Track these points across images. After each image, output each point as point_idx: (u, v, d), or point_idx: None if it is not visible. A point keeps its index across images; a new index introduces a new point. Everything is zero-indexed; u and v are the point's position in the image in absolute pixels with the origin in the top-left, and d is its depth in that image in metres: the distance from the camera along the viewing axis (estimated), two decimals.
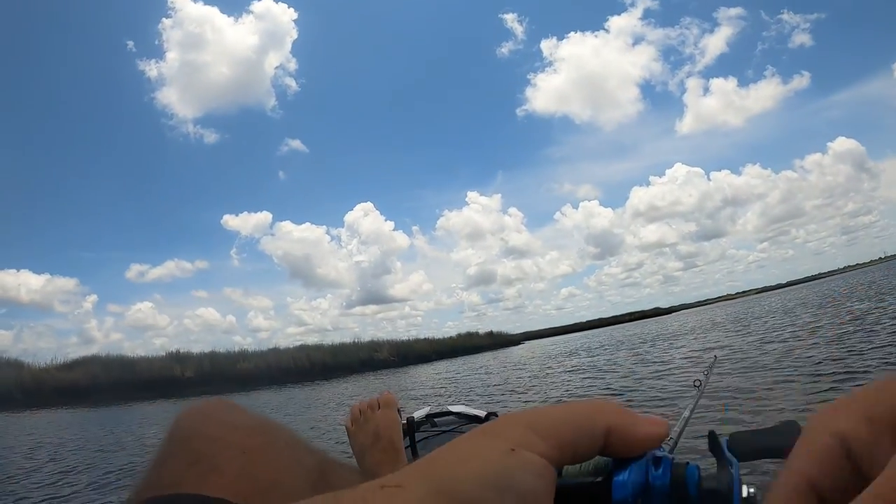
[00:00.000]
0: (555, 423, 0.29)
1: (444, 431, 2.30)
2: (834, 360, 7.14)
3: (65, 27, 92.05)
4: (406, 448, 1.35)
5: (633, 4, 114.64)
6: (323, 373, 36.22)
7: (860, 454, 0.25)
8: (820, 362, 7.22)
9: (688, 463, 0.35)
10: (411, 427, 1.87)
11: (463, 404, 2.82)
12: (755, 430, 0.41)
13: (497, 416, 2.09)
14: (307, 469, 0.63)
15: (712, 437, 0.39)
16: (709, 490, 0.34)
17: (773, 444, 0.40)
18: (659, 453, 0.33)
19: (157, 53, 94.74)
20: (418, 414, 2.47)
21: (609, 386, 9.43)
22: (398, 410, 1.29)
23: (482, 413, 2.45)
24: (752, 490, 0.35)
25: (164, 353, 36.97)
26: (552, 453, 0.27)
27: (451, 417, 2.50)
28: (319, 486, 0.61)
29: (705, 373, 2.40)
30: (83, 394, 28.40)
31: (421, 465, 0.27)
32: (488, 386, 13.34)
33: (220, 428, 0.61)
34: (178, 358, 35.71)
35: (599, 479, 0.32)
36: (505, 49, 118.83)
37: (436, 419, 2.49)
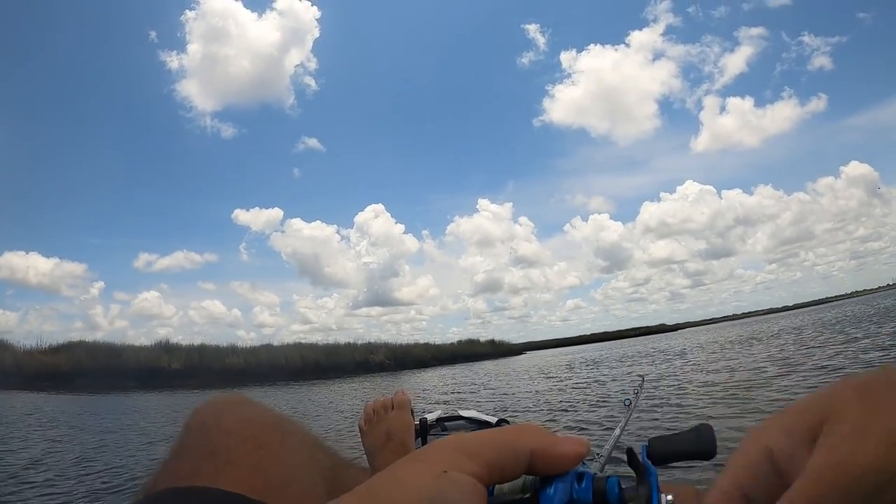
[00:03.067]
0: (482, 446, 0.31)
1: None
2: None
3: (89, 14, 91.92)
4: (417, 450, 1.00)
5: (655, 20, 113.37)
6: (316, 373, 35.23)
7: (782, 463, 0.29)
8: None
9: (609, 476, 0.38)
10: (424, 428, 1.89)
11: (475, 409, 2.74)
12: (671, 435, 0.42)
13: (508, 422, 2.15)
14: (322, 468, 0.66)
15: (630, 453, 0.43)
16: (630, 500, 0.37)
17: (688, 447, 0.42)
18: (581, 469, 0.36)
19: (179, 45, 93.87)
20: (430, 416, 2.38)
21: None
22: (412, 411, 1.29)
23: (493, 419, 2.37)
24: (669, 497, 0.37)
25: (152, 343, 35.98)
26: (481, 473, 0.30)
27: (461, 422, 2.46)
28: (333, 486, 0.66)
29: (635, 392, 2.41)
30: (66, 379, 27.46)
31: (360, 491, 0.29)
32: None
33: (237, 422, 0.62)
34: (166, 348, 34.68)
35: (527, 495, 0.35)
36: (525, 59, 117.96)
37: (446, 423, 2.43)
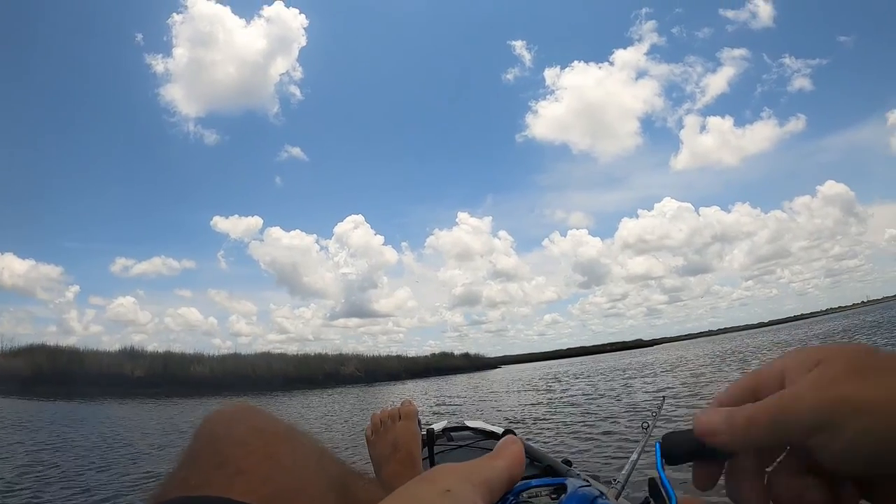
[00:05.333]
0: (474, 467, 0.35)
1: (461, 446, 2.30)
2: None
3: (75, 15, 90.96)
4: (424, 460, 1.33)
5: (640, 39, 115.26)
6: (284, 384, 34.68)
7: (785, 381, 0.35)
8: None
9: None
10: (431, 438, 1.87)
11: (480, 420, 2.79)
12: (687, 430, 0.41)
13: (514, 433, 2.00)
14: (331, 478, 0.65)
15: (651, 483, 0.42)
16: None
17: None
18: (596, 496, 0.39)
19: (165, 49, 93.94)
20: (437, 427, 2.42)
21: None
22: (418, 422, 1.29)
23: (499, 429, 2.36)
24: None
25: (116, 349, 35.30)
26: (478, 491, 0.33)
27: (467, 433, 2.48)
28: (341, 496, 0.66)
29: (653, 414, 2.31)
30: (25, 384, 26.66)
31: None
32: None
33: (247, 432, 0.62)
34: (130, 355, 34.05)
35: None
36: (510, 75, 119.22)
37: (452, 433, 2.47)
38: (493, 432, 2.48)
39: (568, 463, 2.23)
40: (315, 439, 0.70)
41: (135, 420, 14.10)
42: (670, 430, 0.41)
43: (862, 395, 0.30)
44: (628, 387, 13.42)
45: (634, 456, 1.94)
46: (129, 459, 7.33)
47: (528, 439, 3.29)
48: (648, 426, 2.25)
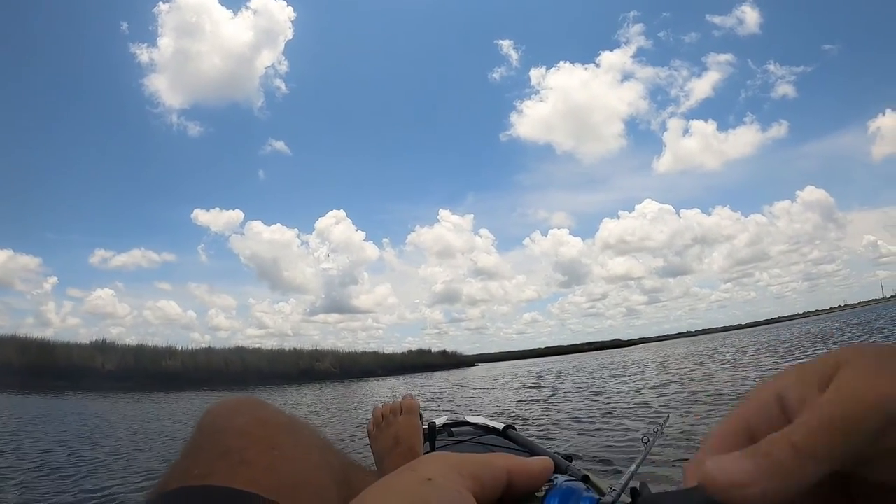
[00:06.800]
0: (463, 459, 0.35)
1: (462, 441, 2.30)
2: None
3: (58, 1, 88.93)
4: (425, 454, 1.21)
5: (627, 42, 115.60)
6: (258, 380, 34.29)
7: (793, 406, 0.30)
8: None
9: (614, 501, 0.38)
10: (432, 433, 1.93)
11: (481, 415, 2.79)
12: (665, 494, 0.37)
13: (515, 429, 2.32)
14: (333, 469, 0.66)
15: (633, 492, 0.42)
16: None
17: None
18: (587, 494, 0.38)
19: (150, 38, 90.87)
20: (438, 421, 2.45)
21: None
22: (420, 416, 1.29)
23: (500, 425, 2.40)
24: None
25: (87, 342, 34.67)
26: (465, 484, 0.33)
27: (468, 428, 2.51)
28: (344, 488, 0.66)
29: (655, 430, 2.01)
30: None
31: (356, 501, 0.32)
32: None
33: (250, 423, 0.63)
34: (101, 347, 33.45)
35: None
36: (497, 74, 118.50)
37: (453, 429, 2.49)
38: (494, 428, 2.50)
39: (569, 458, 2.18)
40: (317, 431, 0.71)
41: (99, 418, 13.92)
42: (654, 493, 0.38)
43: None
44: (625, 384, 13.27)
45: (633, 468, 1.91)
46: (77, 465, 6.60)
47: (529, 435, 3.32)
48: (649, 441, 2.21)
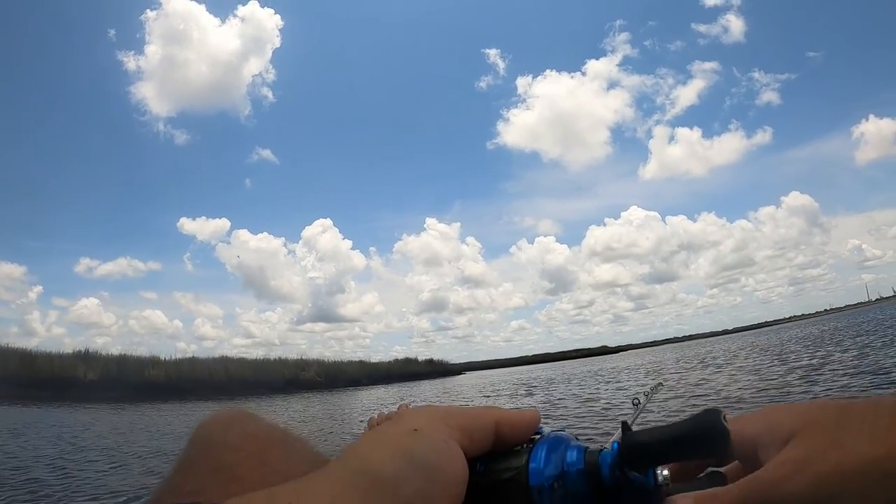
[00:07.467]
0: (451, 411, 0.36)
1: None
2: None
3: (47, 9, 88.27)
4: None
5: (613, 51, 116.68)
6: (243, 389, 34.09)
7: (758, 453, 0.33)
8: None
9: (601, 449, 0.39)
10: None
11: None
12: (652, 429, 0.39)
13: None
14: None
15: (624, 425, 0.41)
16: (623, 475, 0.37)
17: (678, 446, 0.38)
18: (574, 443, 0.39)
19: (138, 46, 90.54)
20: None
21: None
22: None
23: None
24: (665, 472, 0.38)
25: (70, 351, 34.33)
26: (453, 435, 0.34)
27: None
28: None
29: (646, 394, 2.22)
30: None
31: (342, 454, 0.34)
32: None
33: (242, 438, 0.62)
34: (84, 357, 33.11)
35: (515, 469, 0.37)
36: (484, 83, 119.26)
37: None
38: None
39: None
40: (310, 444, 0.71)
41: (85, 430, 13.83)
42: (632, 429, 0.40)
43: (846, 467, 0.29)
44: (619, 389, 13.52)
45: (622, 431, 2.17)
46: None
47: None
48: (640, 403, 2.24)
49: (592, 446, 0.39)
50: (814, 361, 12.02)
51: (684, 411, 6.61)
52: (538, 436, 0.40)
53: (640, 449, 0.38)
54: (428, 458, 0.33)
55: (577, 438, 0.39)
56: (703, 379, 13.19)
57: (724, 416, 0.36)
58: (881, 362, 9.84)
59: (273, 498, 0.31)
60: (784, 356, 15.56)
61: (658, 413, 6.18)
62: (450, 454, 0.34)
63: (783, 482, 0.30)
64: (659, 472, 0.38)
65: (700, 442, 0.37)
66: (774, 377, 10.46)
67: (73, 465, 7.38)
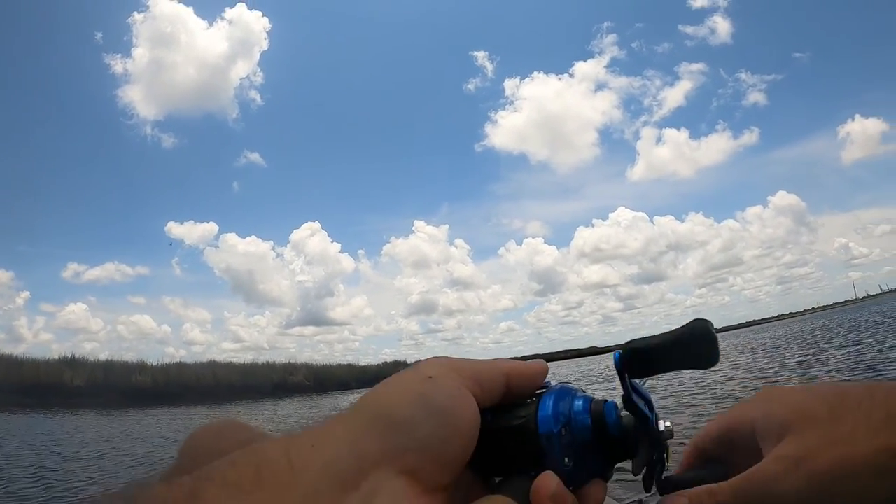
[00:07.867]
0: (464, 362, 0.38)
1: None
2: None
3: (31, 10, 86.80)
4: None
5: (600, 52, 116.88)
6: (231, 394, 33.76)
7: (757, 440, 0.33)
8: None
9: (606, 400, 0.40)
10: None
11: None
12: (650, 337, 0.41)
13: None
14: None
15: (626, 399, 0.42)
16: (628, 423, 0.39)
17: (674, 352, 0.40)
18: (580, 393, 0.41)
19: (125, 49, 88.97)
20: None
21: None
22: None
23: None
24: (668, 424, 0.39)
25: (56, 357, 33.83)
26: (465, 383, 0.36)
27: None
28: None
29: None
30: None
31: (360, 401, 0.36)
32: None
33: (232, 447, 0.54)
34: (70, 363, 32.64)
35: (525, 417, 0.39)
36: (471, 85, 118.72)
37: None
38: None
39: None
40: None
41: (69, 437, 13.60)
42: (633, 339, 0.42)
43: (840, 465, 0.29)
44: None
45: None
46: None
47: None
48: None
49: (598, 397, 0.41)
50: (806, 358, 12.08)
51: (680, 412, 6.56)
52: (544, 389, 0.41)
53: (639, 353, 0.41)
54: (442, 403, 0.35)
55: (582, 390, 0.40)
56: (696, 378, 13.20)
57: (712, 325, 0.40)
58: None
59: (295, 440, 0.33)
60: (776, 352, 15.71)
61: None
62: (463, 400, 0.35)
63: (777, 481, 0.31)
64: (662, 421, 0.39)
65: (693, 345, 0.40)
66: (768, 374, 10.48)
67: (55, 475, 7.22)
